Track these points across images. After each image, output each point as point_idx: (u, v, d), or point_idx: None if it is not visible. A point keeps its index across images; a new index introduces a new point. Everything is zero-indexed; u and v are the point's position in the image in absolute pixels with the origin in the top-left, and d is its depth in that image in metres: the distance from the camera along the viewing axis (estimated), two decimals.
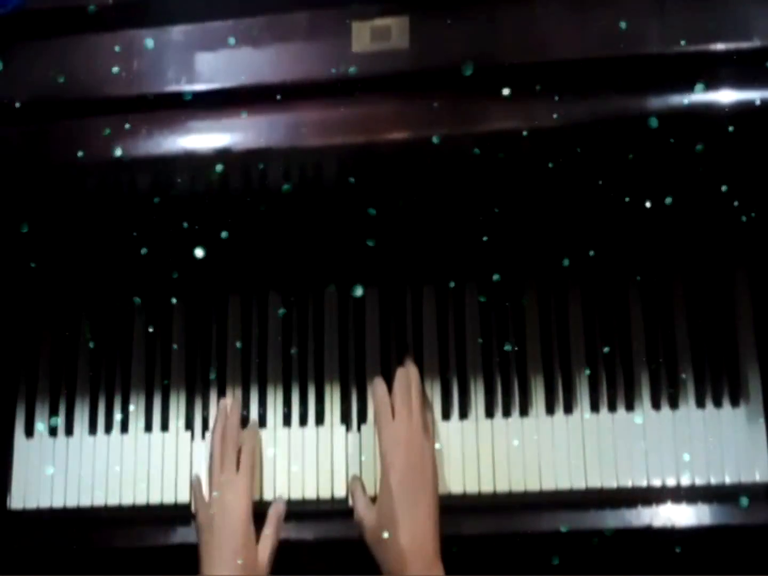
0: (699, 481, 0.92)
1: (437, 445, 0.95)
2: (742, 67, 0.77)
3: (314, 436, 0.98)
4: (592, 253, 0.96)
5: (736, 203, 0.91)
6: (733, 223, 0.94)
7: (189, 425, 1.00)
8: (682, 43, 0.77)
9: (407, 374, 0.95)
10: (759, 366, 0.95)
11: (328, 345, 1.00)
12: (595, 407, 0.96)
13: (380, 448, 0.92)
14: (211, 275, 1.01)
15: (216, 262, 0.99)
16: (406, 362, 0.97)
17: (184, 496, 0.98)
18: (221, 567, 0.88)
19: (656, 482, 0.93)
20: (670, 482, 0.93)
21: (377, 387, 0.95)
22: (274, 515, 0.94)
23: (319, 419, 0.99)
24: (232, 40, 0.82)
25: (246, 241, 0.97)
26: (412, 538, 0.85)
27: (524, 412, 0.96)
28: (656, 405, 0.95)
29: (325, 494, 0.96)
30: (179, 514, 0.97)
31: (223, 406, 0.98)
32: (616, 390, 0.96)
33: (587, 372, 0.96)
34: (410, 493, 0.88)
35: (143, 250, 0.99)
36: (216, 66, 0.82)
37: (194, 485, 0.97)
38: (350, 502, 0.94)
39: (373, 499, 0.91)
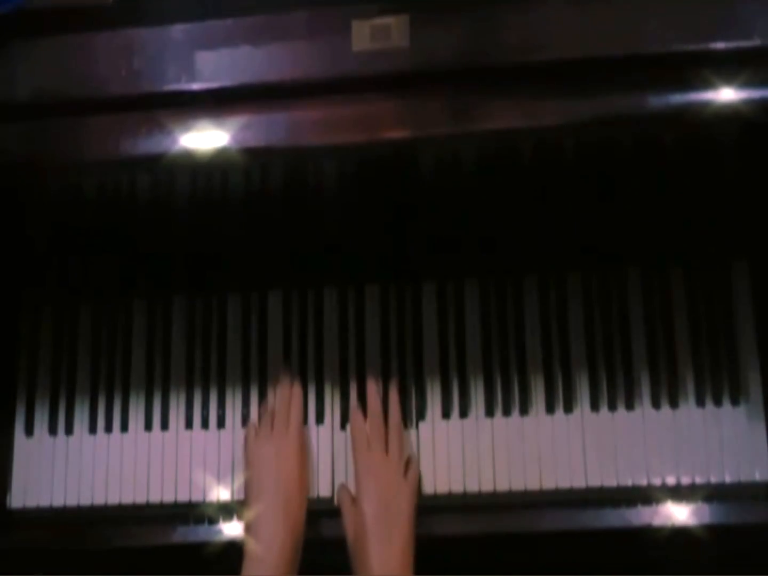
0: (699, 481, 0.93)
1: (438, 446, 0.95)
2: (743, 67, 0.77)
3: (314, 436, 0.98)
4: (592, 251, 0.96)
5: (736, 202, 0.92)
6: (733, 221, 0.94)
7: (189, 424, 1.00)
8: (684, 42, 0.77)
9: (379, 405, 0.95)
10: (759, 365, 0.95)
11: (328, 345, 1.00)
12: (595, 406, 0.96)
13: (356, 478, 0.92)
14: (211, 274, 1.01)
15: (216, 261, 0.99)
16: (390, 388, 0.97)
17: (184, 496, 0.98)
18: (268, 510, 0.89)
19: (656, 481, 0.93)
20: (670, 481, 0.93)
21: (354, 416, 0.96)
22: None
23: (319, 419, 0.99)
24: (232, 39, 0.82)
25: (245, 240, 0.97)
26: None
27: (524, 410, 0.96)
28: (656, 404, 0.95)
29: (325, 493, 0.96)
30: (179, 514, 0.97)
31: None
32: (616, 389, 0.96)
33: (587, 371, 0.96)
34: (383, 530, 0.87)
35: (143, 249, 0.99)
36: (216, 65, 0.82)
37: (249, 426, 0.97)
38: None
39: None
